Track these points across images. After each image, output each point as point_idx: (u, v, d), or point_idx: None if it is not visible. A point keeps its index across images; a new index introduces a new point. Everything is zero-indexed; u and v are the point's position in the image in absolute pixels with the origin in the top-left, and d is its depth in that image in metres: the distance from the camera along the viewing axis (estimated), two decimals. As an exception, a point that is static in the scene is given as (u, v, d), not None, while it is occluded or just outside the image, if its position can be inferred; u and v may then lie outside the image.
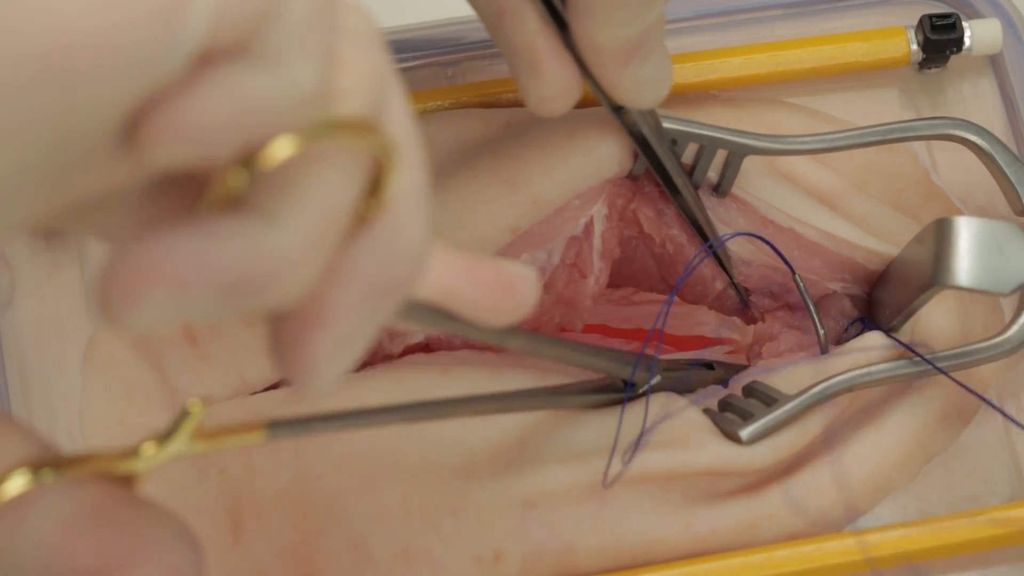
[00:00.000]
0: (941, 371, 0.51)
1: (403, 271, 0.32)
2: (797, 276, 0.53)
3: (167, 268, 0.28)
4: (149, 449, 0.32)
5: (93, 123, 0.27)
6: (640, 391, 0.51)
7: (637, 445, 0.49)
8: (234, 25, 0.28)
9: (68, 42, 0.26)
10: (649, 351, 0.58)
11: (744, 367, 0.55)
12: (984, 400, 0.53)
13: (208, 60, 0.28)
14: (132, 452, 0.32)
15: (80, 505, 0.31)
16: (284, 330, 0.32)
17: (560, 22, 0.47)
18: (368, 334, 0.32)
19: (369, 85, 0.31)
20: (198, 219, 0.29)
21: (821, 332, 0.53)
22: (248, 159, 0.29)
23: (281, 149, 0.29)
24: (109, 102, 0.27)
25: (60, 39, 0.26)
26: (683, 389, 0.53)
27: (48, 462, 0.31)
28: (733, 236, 0.53)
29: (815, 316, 0.53)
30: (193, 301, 0.28)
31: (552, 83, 0.48)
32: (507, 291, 0.36)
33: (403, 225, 0.32)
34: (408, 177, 0.32)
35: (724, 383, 0.54)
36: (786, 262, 0.53)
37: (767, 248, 0.54)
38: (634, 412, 0.51)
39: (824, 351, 0.53)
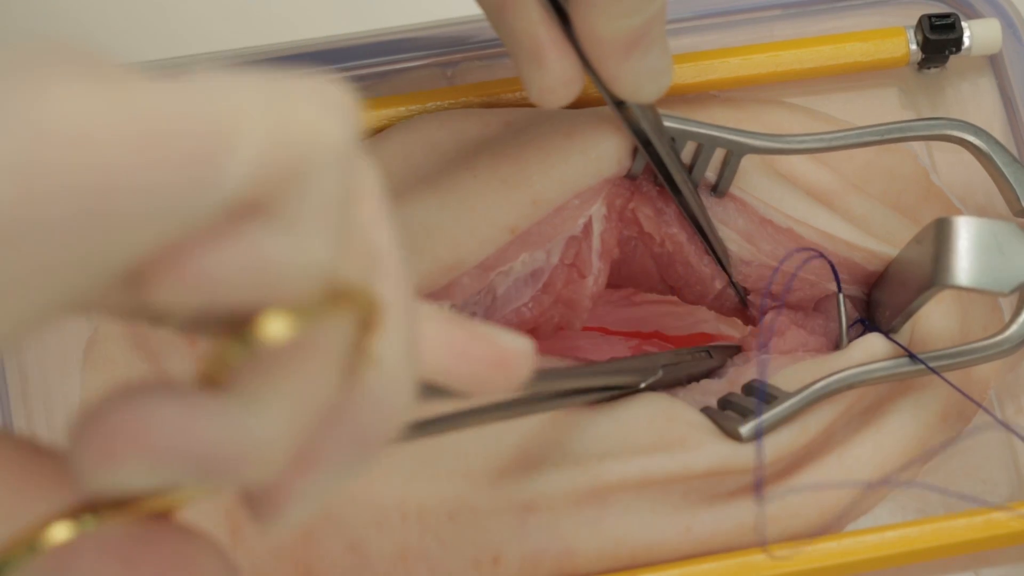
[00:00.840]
0: (936, 373, 0.51)
1: (385, 427, 0.32)
2: (841, 296, 0.53)
3: (146, 439, 0.28)
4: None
5: (109, 261, 0.26)
6: (642, 386, 0.51)
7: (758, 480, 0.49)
8: (267, 182, 0.27)
9: (105, 180, 0.25)
10: (651, 349, 0.58)
11: (737, 348, 0.55)
12: (977, 404, 0.53)
13: (232, 213, 0.27)
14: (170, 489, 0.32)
15: (133, 537, 0.30)
16: None
17: (562, 14, 0.47)
18: (341, 480, 0.32)
19: (368, 257, 0.31)
20: (183, 391, 0.28)
21: (845, 334, 0.53)
22: (243, 333, 0.28)
23: (277, 329, 0.28)
24: (130, 243, 0.26)
25: (97, 176, 0.25)
26: (682, 381, 0.53)
27: (89, 507, 0.30)
28: (806, 261, 0.53)
29: (844, 325, 0.53)
30: (163, 472, 0.28)
31: (554, 73, 0.48)
32: (501, 369, 0.35)
33: (388, 385, 0.31)
34: (398, 336, 0.32)
35: (719, 371, 0.54)
36: (837, 280, 0.53)
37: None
38: (631, 411, 0.51)
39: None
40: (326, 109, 0.28)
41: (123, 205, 0.25)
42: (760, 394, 0.50)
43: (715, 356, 0.54)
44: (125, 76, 0.26)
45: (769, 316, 0.54)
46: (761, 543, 0.50)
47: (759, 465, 0.50)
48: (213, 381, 0.29)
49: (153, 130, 0.26)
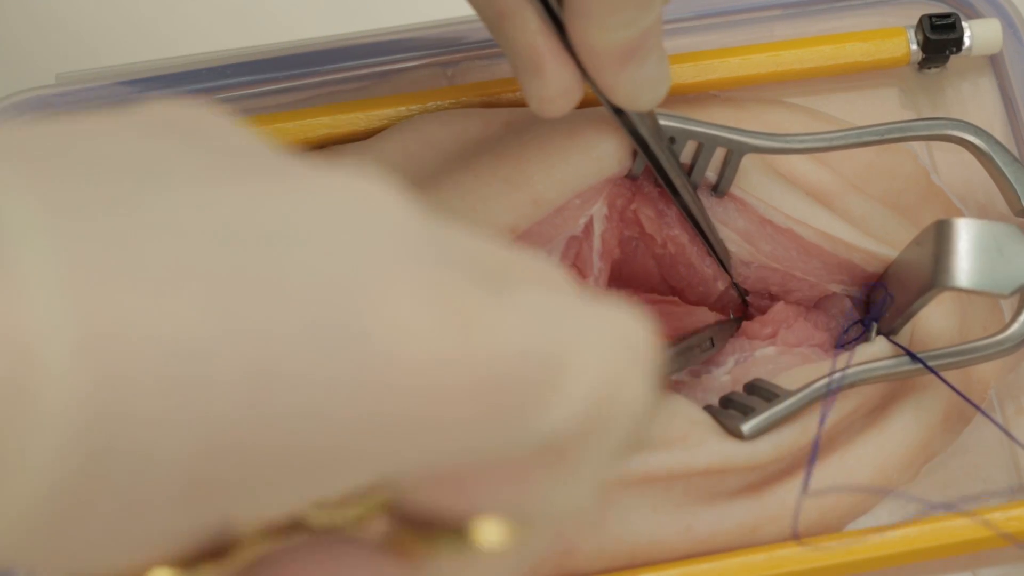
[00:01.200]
0: (934, 372, 0.51)
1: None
2: (874, 325, 0.54)
3: None
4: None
5: (386, 477, 0.25)
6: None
7: (812, 463, 0.49)
8: (572, 430, 0.26)
9: (434, 413, 0.24)
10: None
11: (738, 321, 0.55)
12: (974, 405, 0.53)
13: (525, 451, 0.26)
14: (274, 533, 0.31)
15: None
16: None
17: (559, 24, 0.47)
18: None
19: None
20: (372, 553, 0.27)
21: (874, 331, 0.53)
22: (461, 531, 0.27)
23: (496, 539, 0.27)
24: (421, 466, 0.25)
25: (428, 408, 0.24)
26: (687, 364, 0.53)
27: (195, 557, 0.29)
28: (883, 301, 0.53)
29: (874, 327, 0.54)
30: None
31: (554, 83, 0.47)
32: None
33: (544, 540, 0.30)
34: None
35: (719, 358, 0.54)
36: (874, 312, 0.53)
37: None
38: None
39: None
40: (638, 361, 0.27)
41: (439, 435, 0.24)
42: (833, 390, 0.50)
43: (716, 341, 0.54)
44: (455, 284, 0.25)
45: (778, 307, 0.54)
46: (794, 536, 0.50)
47: (811, 461, 0.50)
48: (405, 552, 0.28)
49: (490, 367, 0.24)
